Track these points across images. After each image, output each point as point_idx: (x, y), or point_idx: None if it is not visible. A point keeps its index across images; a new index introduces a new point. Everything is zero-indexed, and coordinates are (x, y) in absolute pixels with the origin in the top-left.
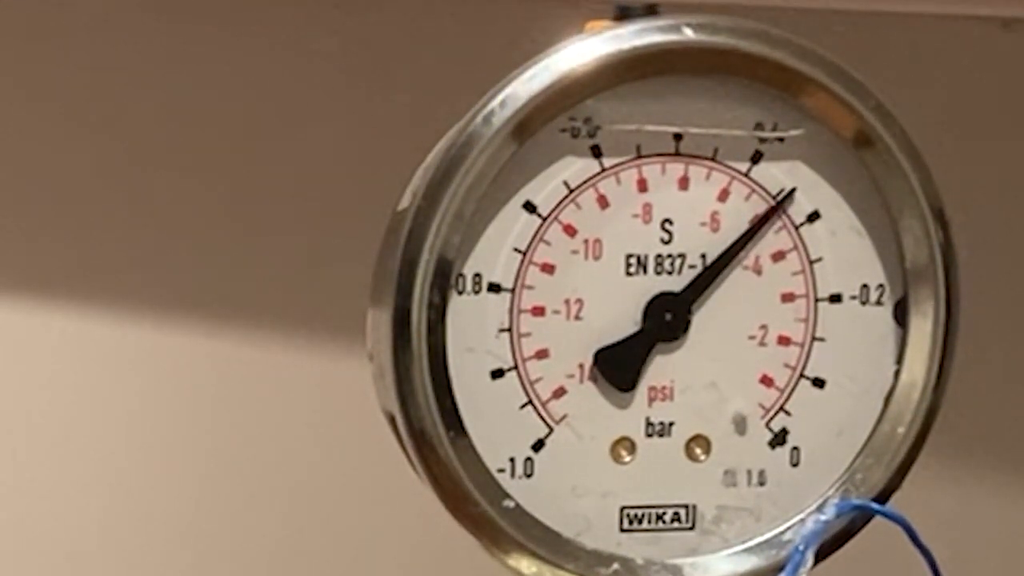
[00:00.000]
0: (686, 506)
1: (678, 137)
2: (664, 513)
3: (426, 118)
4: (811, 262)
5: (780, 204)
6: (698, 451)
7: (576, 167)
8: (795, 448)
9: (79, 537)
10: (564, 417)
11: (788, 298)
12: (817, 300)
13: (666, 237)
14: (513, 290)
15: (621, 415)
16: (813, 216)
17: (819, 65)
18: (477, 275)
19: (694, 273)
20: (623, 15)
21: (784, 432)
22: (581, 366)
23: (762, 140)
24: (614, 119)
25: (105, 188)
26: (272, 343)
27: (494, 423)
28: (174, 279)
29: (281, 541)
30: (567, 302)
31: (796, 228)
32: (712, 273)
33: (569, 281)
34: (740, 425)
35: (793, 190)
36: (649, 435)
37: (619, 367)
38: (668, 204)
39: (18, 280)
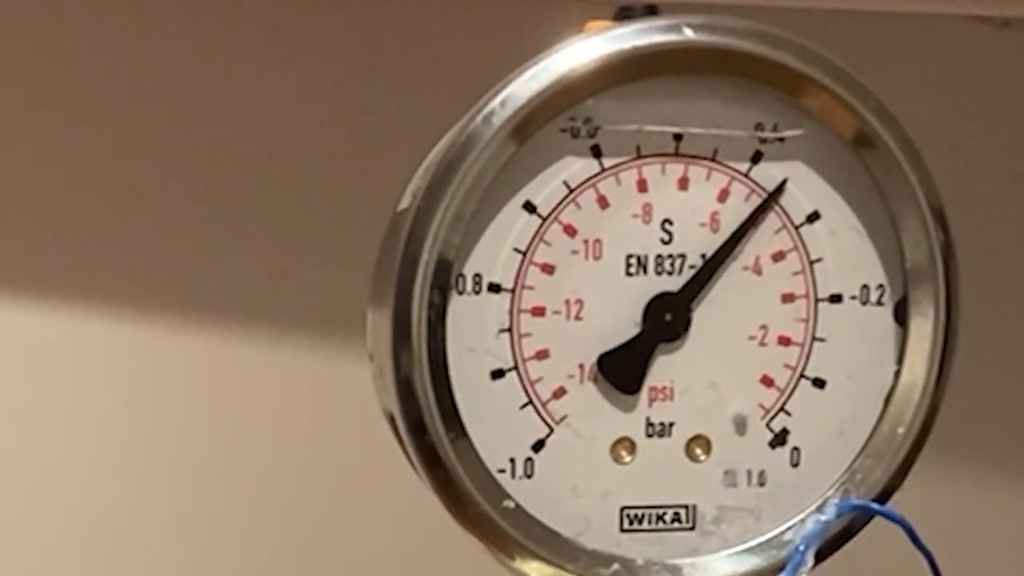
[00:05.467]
0: (686, 506)
1: (678, 137)
2: (664, 513)
3: (426, 118)
4: (811, 262)
5: (773, 196)
6: (698, 451)
7: (576, 167)
8: (795, 448)
9: (78, 536)
10: (564, 417)
11: (788, 298)
12: (817, 300)
13: (666, 237)
14: (513, 290)
15: (621, 415)
16: (813, 216)
17: (819, 65)
18: (477, 275)
19: (694, 273)
20: (623, 15)
21: (784, 432)
22: (581, 366)
23: (762, 140)
24: (614, 119)
25: (105, 188)
26: (272, 343)
27: (494, 423)
28: (174, 279)
29: (281, 541)
30: (567, 302)
31: (796, 228)
32: (709, 270)
33: (569, 281)
34: (740, 425)
35: (785, 181)
36: (649, 435)
37: (623, 370)
38: (668, 204)
39: (18, 280)
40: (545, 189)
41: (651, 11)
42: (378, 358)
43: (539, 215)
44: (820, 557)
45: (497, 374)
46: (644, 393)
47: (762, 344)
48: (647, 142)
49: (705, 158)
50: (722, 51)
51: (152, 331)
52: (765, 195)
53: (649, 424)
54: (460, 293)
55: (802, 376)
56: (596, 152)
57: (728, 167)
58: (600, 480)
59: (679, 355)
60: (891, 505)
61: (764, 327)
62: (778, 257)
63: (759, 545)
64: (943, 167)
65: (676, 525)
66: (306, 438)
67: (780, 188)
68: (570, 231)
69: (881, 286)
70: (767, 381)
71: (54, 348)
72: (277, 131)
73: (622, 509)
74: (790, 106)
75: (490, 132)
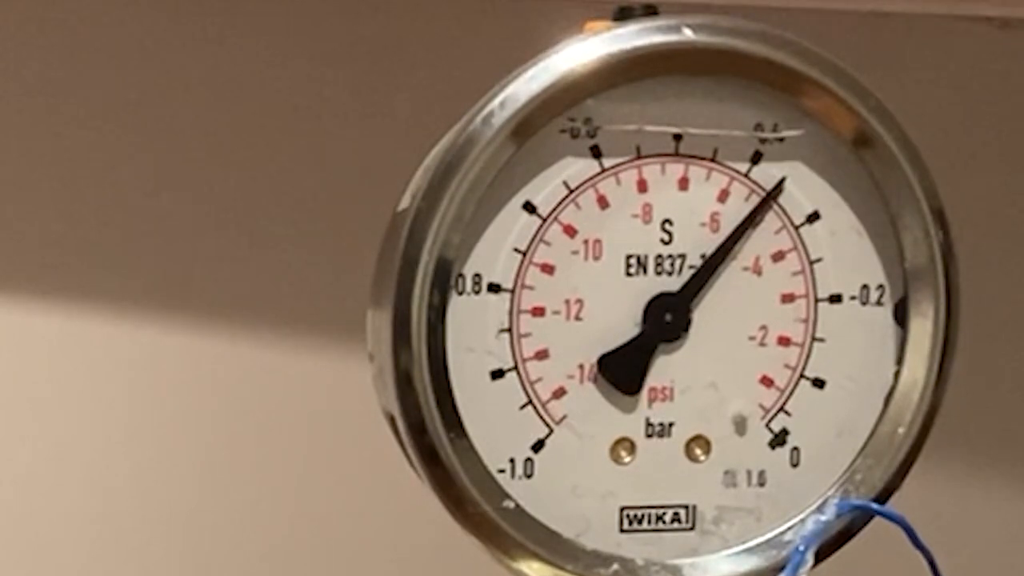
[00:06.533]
0: (686, 506)
1: (678, 137)
2: (664, 513)
3: (426, 118)
4: (811, 262)
5: (771, 195)
6: (698, 451)
7: (576, 167)
8: (795, 448)
9: (78, 537)
10: (564, 417)
11: (788, 298)
12: (817, 300)
13: (666, 238)
14: (513, 290)
15: (621, 416)
16: (813, 216)
17: (819, 65)
18: (477, 275)
19: (693, 273)
20: (623, 15)
21: (784, 432)
22: (581, 367)
23: (762, 140)
24: (614, 119)
25: (105, 187)
26: (272, 343)
27: (494, 423)
28: (174, 279)
29: (281, 541)
30: (567, 302)
31: (796, 228)
32: (709, 270)
33: (569, 281)
34: (740, 425)
35: (783, 179)
36: (649, 435)
37: (623, 371)
38: (668, 204)
39: (18, 280)
40: (545, 189)
41: (651, 11)
42: (378, 358)
43: (539, 215)
44: (820, 557)
45: (497, 374)
46: (644, 393)
47: (762, 344)
48: (647, 142)
49: (705, 158)
50: (722, 51)
51: (152, 331)
52: (764, 194)
53: (649, 424)
54: (460, 293)
55: (802, 376)
56: (596, 152)
57: (728, 167)
58: (600, 480)
59: (679, 355)
60: (891, 505)
61: (764, 327)
62: (778, 257)
63: (759, 545)
64: (943, 167)
65: (676, 525)
66: (306, 438)
67: (778, 186)
68: (570, 231)
69: (881, 286)
70: (767, 381)
71: (54, 348)
72: (277, 131)
73: (622, 509)
74: (790, 106)
75: (490, 132)
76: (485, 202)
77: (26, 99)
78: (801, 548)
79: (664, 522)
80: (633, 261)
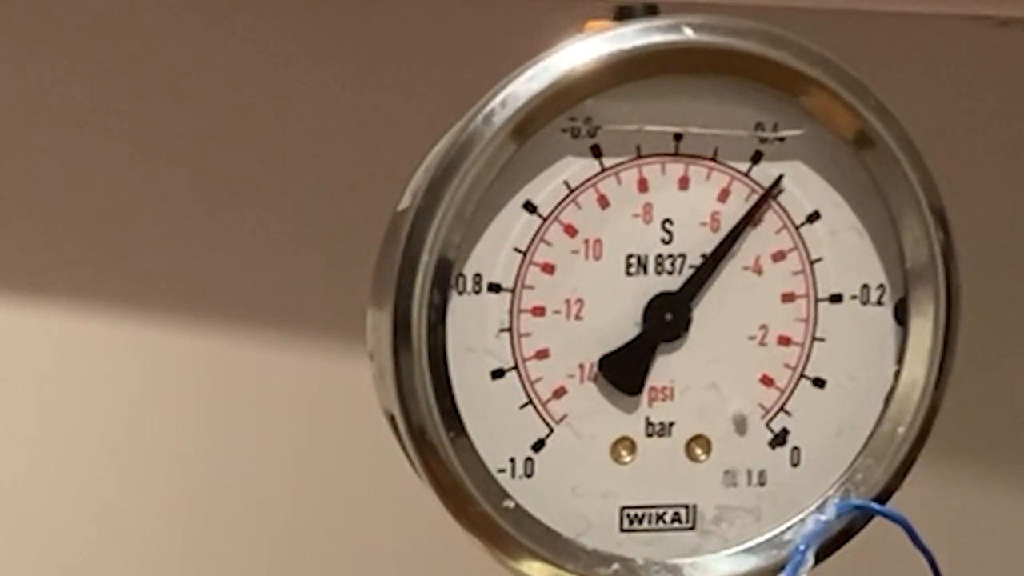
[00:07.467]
0: (686, 506)
1: (678, 137)
2: (664, 513)
3: (426, 118)
4: (811, 262)
5: (769, 192)
6: (698, 451)
7: (576, 167)
8: (795, 448)
9: (78, 537)
10: (564, 417)
11: (788, 298)
12: (817, 300)
13: (666, 237)
14: (513, 290)
15: (621, 415)
16: (813, 216)
17: (819, 65)
18: (477, 275)
19: (693, 272)
20: (623, 15)
21: (784, 432)
22: (581, 366)
23: (762, 140)
24: (614, 119)
25: (104, 187)
26: (272, 343)
27: (494, 423)
28: (174, 279)
29: (281, 541)
30: (567, 302)
31: (796, 228)
32: (708, 268)
33: (569, 281)
34: (740, 425)
35: (781, 177)
36: (649, 435)
37: (625, 371)
38: (668, 204)
39: (18, 280)
40: (545, 189)
41: (651, 11)
42: (378, 358)
43: (539, 215)
44: (820, 557)
45: (497, 374)
46: (644, 393)
47: (762, 344)
48: (647, 142)
49: (705, 158)
50: (722, 51)
51: (152, 331)
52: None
53: (649, 424)
54: (460, 293)
55: (802, 376)
56: (596, 152)
57: (728, 167)
58: (600, 480)
59: (679, 355)
60: (891, 505)
61: (764, 327)
62: (778, 257)
63: (759, 545)
64: (943, 167)
65: (676, 525)
66: (306, 438)
67: (776, 184)
68: (570, 231)
69: (881, 286)
70: (767, 381)
71: (55, 348)
72: (277, 131)
73: (622, 509)
74: (790, 106)
75: (490, 132)
76: (485, 202)
77: (26, 99)
78: (801, 548)
79: (664, 522)
80: (633, 261)
